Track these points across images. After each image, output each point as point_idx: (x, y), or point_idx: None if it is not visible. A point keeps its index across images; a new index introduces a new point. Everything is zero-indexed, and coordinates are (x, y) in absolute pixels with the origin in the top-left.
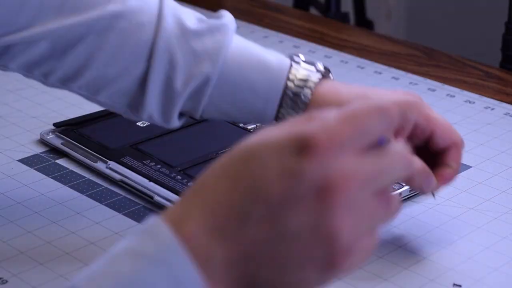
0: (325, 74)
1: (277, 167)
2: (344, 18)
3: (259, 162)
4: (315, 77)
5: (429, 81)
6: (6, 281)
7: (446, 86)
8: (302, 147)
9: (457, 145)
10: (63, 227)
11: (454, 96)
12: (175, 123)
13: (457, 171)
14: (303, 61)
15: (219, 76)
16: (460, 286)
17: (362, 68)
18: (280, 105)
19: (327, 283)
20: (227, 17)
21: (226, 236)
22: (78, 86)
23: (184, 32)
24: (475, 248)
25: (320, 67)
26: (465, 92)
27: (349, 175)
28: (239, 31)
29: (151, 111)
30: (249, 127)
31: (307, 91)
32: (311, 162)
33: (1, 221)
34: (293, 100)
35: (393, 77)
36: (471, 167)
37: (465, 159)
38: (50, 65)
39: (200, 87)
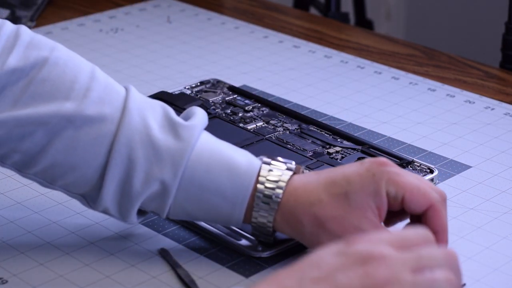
0: (296, 170)
1: (333, 250)
2: (344, 18)
3: (320, 251)
4: (286, 176)
5: (429, 81)
6: (6, 281)
7: (446, 86)
8: (354, 238)
9: (434, 207)
10: (63, 227)
11: (454, 96)
12: (133, 220)
13: (444, 231)
14: (273, 160)
15: (184, 178)
16: (464, 284)
17: (362, 68)
18: (251, 208)
19: None
20: (197, 116)
21: None
22: (34, 173)
23: (148, 129)
24: (475, 248)
25: (290, 165)
26: (465, 92)
27: (387, 255)
28: (239, 31)
29: (107, 206)
30: (249, 127)
31: (279, 191)
32: (358, 243)
33: (1, 221)
34: (264, 202)
35: (393, 77)
36: (471, 167)
37: (465, 159)
38: (7, 148)
39: (161, 191)
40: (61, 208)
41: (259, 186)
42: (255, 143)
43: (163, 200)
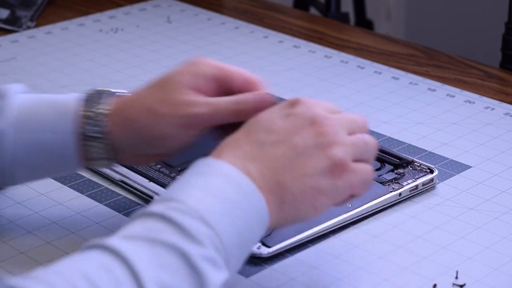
0: (119, 93)
1: (279, 114)
2: (344, 18)
3: (265, 115)
4: (109, 93)
5: (429, 81)
6: None
7: (446, 86)
8: (293, 102)
9: (253, 83)
10: (63, 227)
11: (454, 96)
12: None
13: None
14: (95, 90)
15: (17, 129)
16: (464, 284)
17: (362, 68)
18: (84, 138)
19: (339, 194)
20: (13, 85)
21: (254, 159)
22: None
23: None
24: (475, 248)
25: (112, 90)
26: (465, 92)
27: (327, 116)
28: (239, 31)
29: None
30: None
31: (104, 105)
32: (301, 107)
33: (1, 221)
34: (92, 119)
35: (393, 77)
36: (471, 167)
37: (465, 159)
38: None
39: None
40: (61, 208)
41: (82, 113)
42: None
43: None
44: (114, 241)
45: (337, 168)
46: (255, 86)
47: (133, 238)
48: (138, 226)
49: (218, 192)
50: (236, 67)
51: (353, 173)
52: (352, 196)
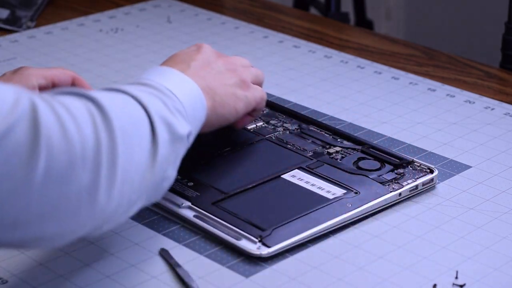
0: None
1: (191, 51)
2: (344, 18)
3: (181, 52)
4: None
5: (429, 81)
6: (6, 281)
7: (446, 86)
8: (199, 45)
9: (77, 79)
10: None
11: (454, 96)
12: None
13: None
14: None
15: None
16: (464, 284)
17: (362, 68)
18: None
19: (249, 103)
20: None
21: (187, 73)
22: None
23: None
24: (475, 248)
25: None
26: (465, 92)
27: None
28: (239, 31)
29: None
30: (249, 127)
31: None
32: (206, 48)
33: None
34: None
35: (393, 77)
36: (471, 167)
37: (465, 159)
38: None
39: None
40: None
41: None
42: (255, 143)
43: None
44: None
45: (243, 83)
46: (80, 82)
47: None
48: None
49: (171, 78)
50: (61, 69)
51: (254, 89)
52: (255, 110)
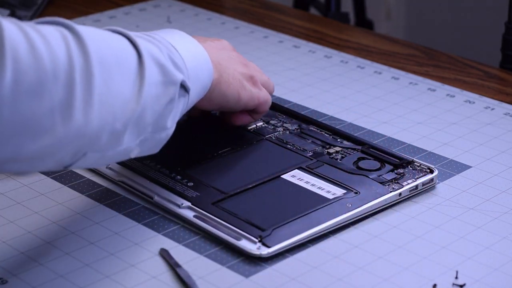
0: None
1: (210, 38)
2: (344, 18)
3: (217, 44)
4: None
5: (429, 81)
6: (6, 281)
7: (446, 86)
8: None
9: None
10: (63, 227)
11: (454, 96)
12: None
13: None
14: None
15: None
16: (464, 284)
17: (362, 68)
18: None
19: (253, 98)
20: None
21: (206, 47)
22: None
23: None
24: (475, 248)
25: None
26: (465, 92)
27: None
28: (239, 31)
29: None
30: (249, 127)
31: None
32: (222, 40)
33: (1, 221)
34: None
35: (393, 77)
36: (471, 167)
37: (465, 159)
38: None
39: None
40: (61, 208)
41: None
42: (255, 143)
43: None
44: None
45: (251, 79)
46: None
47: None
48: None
49: (179, 38)
50: None
51: (261, 89)
52: (256, 111)
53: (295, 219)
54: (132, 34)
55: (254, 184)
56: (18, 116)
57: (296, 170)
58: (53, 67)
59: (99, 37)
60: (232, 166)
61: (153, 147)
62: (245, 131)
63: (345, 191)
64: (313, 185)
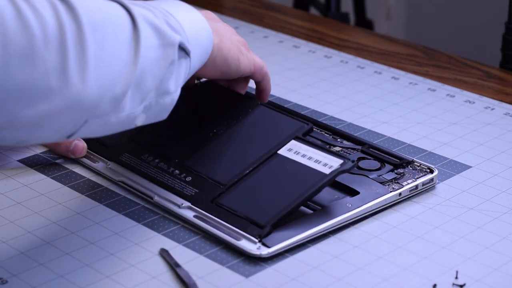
0: None
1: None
2: (344, 18)
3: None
4: None
5: (429, 81)
6: (6, 281)
7: (446, 86)
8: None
9: None
10: (63, 227)
11: (454, 96)
12: None
13: None
14: None
15: None
16: (464, 284)
17: (362, 68)
18: None
19: (249, 62)
20: None
21: (204, 15)
22: None
23: None
24: (475, 248)
25: None
26: (465, 92)
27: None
28: (239, 31)
29: None
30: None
31: None
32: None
33: (1, 221)
34: None
35: (393, 77)
36: (471, 167)
37: (465, 159)
38: None
39: None
40: (61, 208)
41: None
42: (250, 111)
43: None
44: None
45: (245, 45)
46: None
47: None
48: None
49: (176, 6)
50: None
51: (255, 56)
52: (253, 77)
53: (294, 207)
54: (125, 0)
55: (251, 168)
56: (12, 80)
57: (293, 141)
58: (43, 31)
59: (89, 2)
60: (228, 147)
61: (159, 114)
62: (239, 95)
63: (341, 161)
64: (310, 158)
